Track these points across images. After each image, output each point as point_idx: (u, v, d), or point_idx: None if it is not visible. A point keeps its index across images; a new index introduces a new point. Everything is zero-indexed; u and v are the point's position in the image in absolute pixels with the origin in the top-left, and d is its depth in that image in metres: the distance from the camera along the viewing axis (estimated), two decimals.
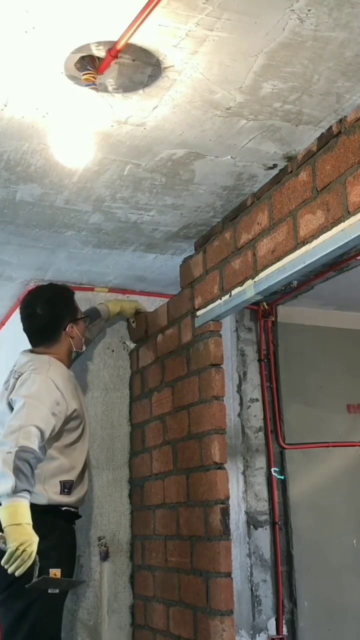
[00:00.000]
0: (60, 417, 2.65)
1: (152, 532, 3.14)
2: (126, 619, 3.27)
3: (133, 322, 3.46)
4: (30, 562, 2.31)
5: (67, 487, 2.69)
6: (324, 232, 2.09)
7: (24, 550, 2.29)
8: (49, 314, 2.86)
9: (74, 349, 2.92)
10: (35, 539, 2.34)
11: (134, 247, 3.11)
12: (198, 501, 2.74)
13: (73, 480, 2.72)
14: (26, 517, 2.34)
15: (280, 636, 3.34)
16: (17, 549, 2.29)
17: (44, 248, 3.07)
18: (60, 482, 2.68)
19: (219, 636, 2.51)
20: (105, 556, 3.24)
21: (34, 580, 2.34)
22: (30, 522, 2.35)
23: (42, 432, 2.50)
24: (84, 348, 3.04)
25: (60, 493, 2.68)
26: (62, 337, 2.87)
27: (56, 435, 2.67)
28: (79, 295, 3.45)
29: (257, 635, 3.33)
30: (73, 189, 2.53)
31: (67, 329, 2.87)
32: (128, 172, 2.43)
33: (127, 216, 2.78)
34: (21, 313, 2.93)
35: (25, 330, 2.90)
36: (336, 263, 3.00)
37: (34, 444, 2.44)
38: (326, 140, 2.15)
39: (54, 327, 2.86)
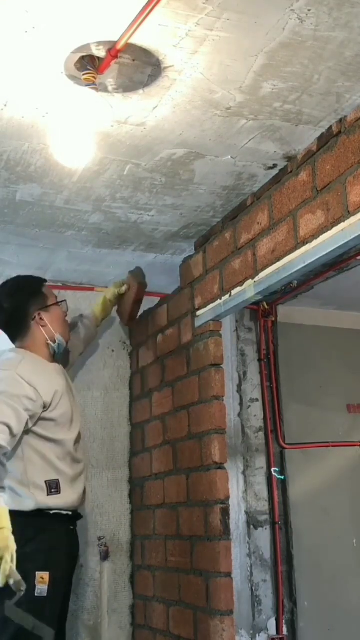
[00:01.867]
0: (36, 412, 2.59)
1: (152, 532, 3.14)
2: (126, 619, 3.27)
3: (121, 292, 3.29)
4: (5, 570, 2.24)
5: (53, 487, 2.60)
6: (324, 232, 2.09)
7: None
8: (13, 306, 2.79)
9: (48, 340, 2.80)
10: (3, 545, 2.26)
11: (134, 247, 3.11)
12: (198, 501, 2.74)
13: (58, 480, 2.62)
14: None
15: (280, 636, 3.34)
16: None
17: (44, 248, 3.07)
18: (45, 482, 2.59)
19: (219, 636, 2.51)
20: (105, 556, 3.24)
21: (6, 604, 2.33)
22: (3, 526, 2.30)
23: (10, 428, 2.44)
24: (57, 340, 2.82)
25: (48, 494, 2.58)
26: (33, 327, 2.78)
27: (35, 432, 2.60)
28: (79, 295, 3.46)
29: (257, 635, 3.33)
30: (73, 189, 2.53)
31: (35, 318, 2.79)
32: (128, 172, 2.43)
33: (127, 216, 2.78)
34: None
35: (0, 327, 2.85)
36: (336, 263, 3.00)
37: (1, 439, 2.40)
38: (326, 140, 2.15)
39: (21, 318, 2.78)
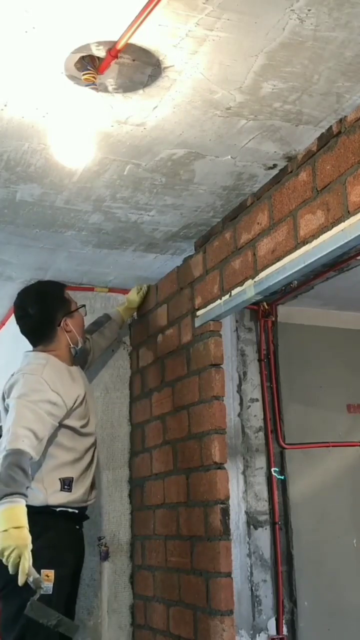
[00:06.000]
0: (59, 416, 2.63)
1: (152, 532, 3.14)
2: (126, 619, 3.27)
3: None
4: (24, 567, 2.24)
5: (67, 484, 2.64)
6: (324, 232, 2.09)
7: (8, 556, 2.25)
8: (40, 313, 2.81)
9: (72, 345, 2.84)
10: (22, 543, 2.26)
11: (134, 247, 3.11)
12: (198, 501, 2.74)
13: (72, 478, 2.66)
14: (11, 522, 2.28)
15: (280, 636, 3.34)
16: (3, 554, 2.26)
17: (44, 248, 3.07)
18: (59, 479, 2.64)
19: (219, 636, 2.51)
20: (105, 556, 3.24)
21: (30, 601, 2.28)
22: (21, 525, 2.29)
23: (34, 433, 2.46)
24: (80, 344, 2.90)
25: (61, 490, 2.63)
26: (58, 333, 2.81)
27: (54, 433, 2.64)
28: (79, 295, 3.46)
29: (257, 635, 3.33)
30: (73, 189, 2.53)
31: (61, 324, 2.82)
32: (128, 172, 2.43)
33: (127, 216, 2.78)
34: (15, 316, 2.90)
35: (21, 332, 2.87)
36: (336, 263, 3.00)
37: (24, 444, 2.41)
38: (326, 140, 2.15)
39: (48, 325, 2.81)
